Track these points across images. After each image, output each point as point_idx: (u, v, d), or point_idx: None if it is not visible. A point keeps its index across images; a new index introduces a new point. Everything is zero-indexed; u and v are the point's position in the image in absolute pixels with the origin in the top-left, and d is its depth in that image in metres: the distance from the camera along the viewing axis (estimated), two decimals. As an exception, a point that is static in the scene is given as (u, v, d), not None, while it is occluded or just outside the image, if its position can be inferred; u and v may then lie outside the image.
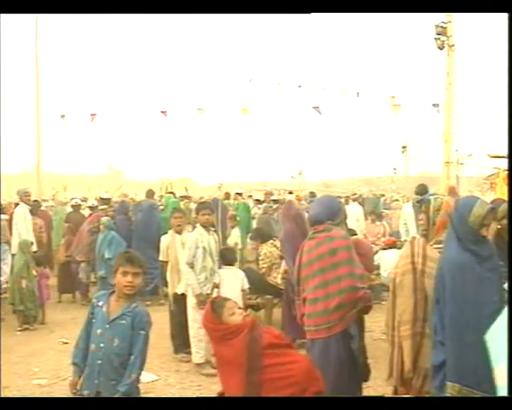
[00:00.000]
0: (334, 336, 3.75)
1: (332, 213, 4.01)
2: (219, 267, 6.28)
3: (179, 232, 6.81)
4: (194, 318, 6.02)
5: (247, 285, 6.35)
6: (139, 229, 9.93)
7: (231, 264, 6.48)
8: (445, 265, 3.32)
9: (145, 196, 11.46)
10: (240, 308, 3.30)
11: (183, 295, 6.26)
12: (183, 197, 12.79)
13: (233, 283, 6.22)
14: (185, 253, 6.09)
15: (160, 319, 7.67)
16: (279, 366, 3.11)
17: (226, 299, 3.35)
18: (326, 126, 47.58)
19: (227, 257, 6.45)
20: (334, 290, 3.75)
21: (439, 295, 3.33)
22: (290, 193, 16.14)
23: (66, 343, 6.83)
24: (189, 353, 6.24)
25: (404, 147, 37.54)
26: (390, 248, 9.32)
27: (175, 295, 6.49)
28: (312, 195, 14.69)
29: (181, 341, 6.45)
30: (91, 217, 10.42)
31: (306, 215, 7.32)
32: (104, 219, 9.78)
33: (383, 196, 20.46)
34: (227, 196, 13.92)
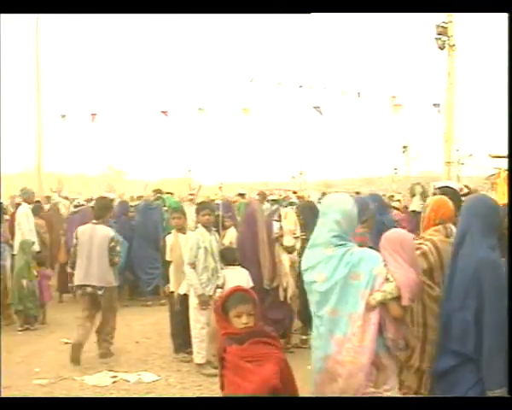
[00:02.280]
0: None
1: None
2: (221, 268, 6.25)
3: (183, 232, 6.76)
4: (196, 318, 6.03)
5: (251, 284, 6.33)
6: (138, 230, 10.17)
7: (233, 264, 6.45)
8: (482, 265, 3.04)
9: (153, 195, 11.71)
10: (250, 315, 2.99)
11: (185, 296, 6.25)
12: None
13: (239, 282, 6.19)
14: (187, 253, 6.08)
15: (162, 319, 7.69)
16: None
17: (242, 301, 3.04)
18: (327, 126, 47.59)
19: (227, 257, 6.43)
20: None
21: (468, 299, 3.07)
22: (294, 193, 16.15)
23: (67, 343, 6.82)
24: (190, 353, 6.23)
25: (404, 147, 37.59)
26: None
27: (177, 295, 6.48)
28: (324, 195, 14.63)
29: (181, 341, 6.45)
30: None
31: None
32: (105, 219, 9.79)
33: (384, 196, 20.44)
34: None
